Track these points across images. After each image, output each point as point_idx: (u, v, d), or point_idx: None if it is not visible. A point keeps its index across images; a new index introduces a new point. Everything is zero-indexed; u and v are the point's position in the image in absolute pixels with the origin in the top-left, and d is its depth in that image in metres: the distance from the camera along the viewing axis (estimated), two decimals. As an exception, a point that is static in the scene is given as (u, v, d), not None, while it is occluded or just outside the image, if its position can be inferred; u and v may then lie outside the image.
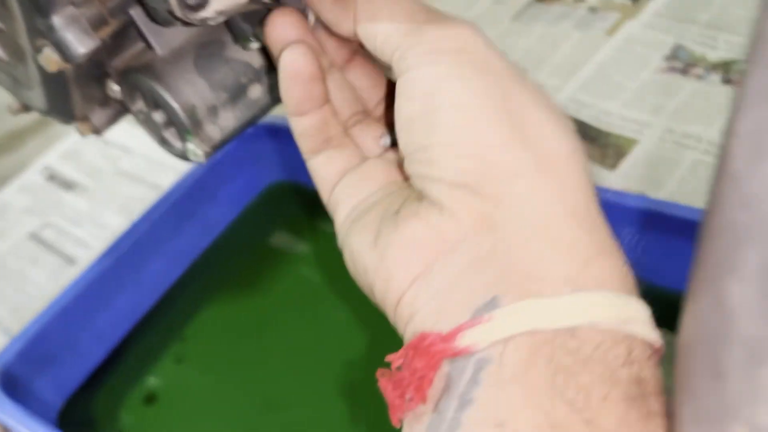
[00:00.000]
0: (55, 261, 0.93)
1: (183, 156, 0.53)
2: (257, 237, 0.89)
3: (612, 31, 0.97)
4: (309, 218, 0.89)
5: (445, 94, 0.36)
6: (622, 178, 0.80)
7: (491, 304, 0.32)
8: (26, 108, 0.59)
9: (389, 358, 0.35)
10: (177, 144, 0.52)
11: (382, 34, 0.39)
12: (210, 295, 0.84)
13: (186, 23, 0.42)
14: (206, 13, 0.40)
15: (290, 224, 0.89)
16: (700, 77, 0.88)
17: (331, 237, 0.98)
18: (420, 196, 0.38)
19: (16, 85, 0.57)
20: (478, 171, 0.35)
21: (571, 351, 0.29)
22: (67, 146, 1.07)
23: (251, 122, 0.53)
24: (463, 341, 0.31)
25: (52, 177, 1.05)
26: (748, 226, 0.22)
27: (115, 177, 1.01)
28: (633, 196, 0.67)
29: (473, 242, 0.35)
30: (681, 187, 0.77)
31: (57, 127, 1.06)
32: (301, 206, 0.90)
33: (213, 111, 0.51)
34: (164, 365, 0.78)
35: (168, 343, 0.80)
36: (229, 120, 0.52)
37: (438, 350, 0.32)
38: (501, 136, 0.35)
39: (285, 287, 0.83)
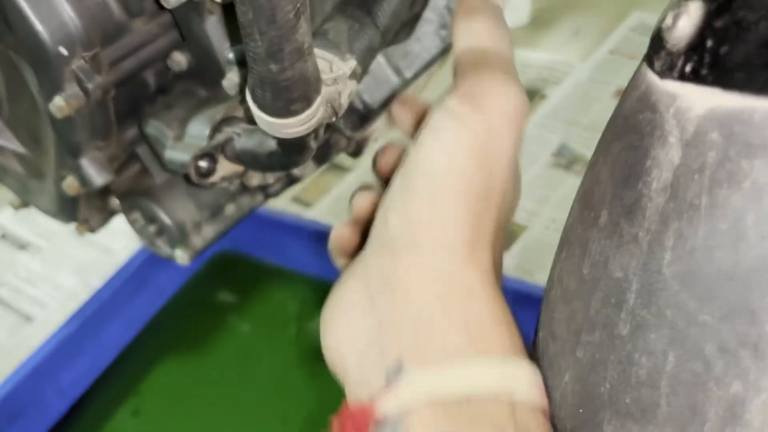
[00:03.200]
0: (12, 318, 1.02)
1: (170, 258, 0.66)
2: (205, 300, 1.01)
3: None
4: (252, 283, 1.02)
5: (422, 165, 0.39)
6: (513, 259, 0.97)
7: (398, 368, 0.35)
8: (26, 204, 0.71)
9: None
10: (166, 249, 0.65)
11: None
12: (163, 353, 0.96)
13: (197, 185, 0.55)
14: (213, 178, 0.54)
15: (235, 289, 1.03)
16: (579, 173, 1.07)
17: (271, 301, 1.12)
18: None
19: (24, 191, 0.68)
20: (398, 234, 0.38)
21: (464, 416, 0.32)
22: (19, 207, 1.16)
23: (226, 232, 0.67)
24: (378, 410, 0.34)
25: (5, 236, 1.14)
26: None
27: (68, 239, 1.11)
28: (512, 280, 0.84)
29: (381, 300, 0.38)
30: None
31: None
32: (244, 273, 1.04)
33: (198, 226, 0.65)
34: (121, 418, 0.89)
35: (125, 397, 0.91)
36: (210, 232, 0.65)
37: (358, 422, 0.35)
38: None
39: (231, 346, 0.96)
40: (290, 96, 0.44)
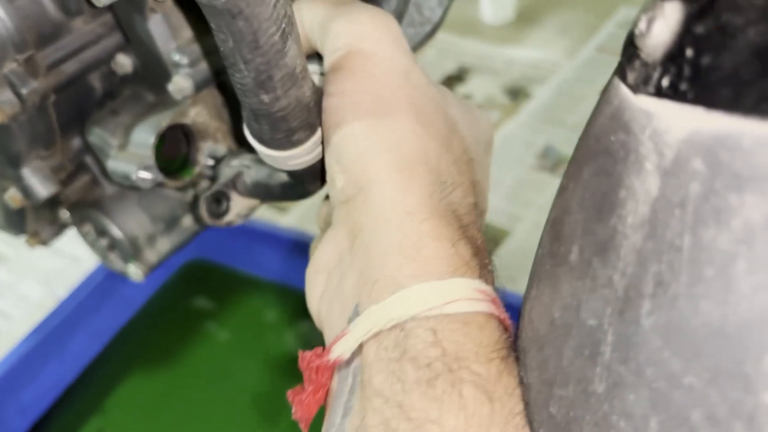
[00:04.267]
0: (-25, 331, 0.98)
1: (123, 274, 0.61)
2: (175, 311, 0.97)
3: (494, 128, 1.11)
4: (222, 293, 0.98)
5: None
6: (498, 265, 0.93)
7: (355, 312, 0.36)
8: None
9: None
10: (119, 264, 0.61)
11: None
12: (129, 367, 0.91)
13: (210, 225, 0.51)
14: (229, 217, 0.50)
15: (205, 299, 0.98)
16: (563, 174, 1.03)
17: (245, 311, 1.08)
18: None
19: (-29, 204, 0.64)
20: (355, 183, 0.38)
21: (399, 345, 0.33)
22: (-17, 213, 1.12)
23: (183, 245, 0.63)
24: (333, 354, 0.36)
25: (-31, 245, 1.09)
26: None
27: (35, 248, 1.07)
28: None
29: (347, 252, 0.38)
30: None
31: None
32: (214, 282, 0.99)
33: (152, 239, 0.60)
34: (86, 437, 0.85)
35: (89, 415, 0.87)
36: (165, 245, 0.61)
37: (316, 366, 0.36)
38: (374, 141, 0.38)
39: (201, 358, 0.92)
40: (289, 126, 0.39)
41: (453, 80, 1.20)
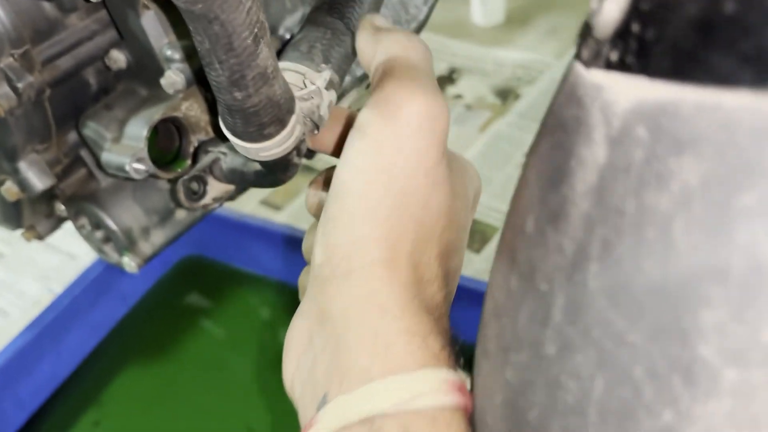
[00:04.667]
0: (-27, 327, 0.99)
1: (119, 266, 0.63)
2: (170, 307, 0.98)
3: (484, 127, 1.13)
4: (218, 289, 0.99)
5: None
6: (486, 262, 0.95)
7: (323, 401, 0.36)
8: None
9: None
10: (114, 256, 0.62)
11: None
12: (125, 361, 0.92)
13: (188, 209, 0.52)
14: (205, 200, 0.51)
15: (202, 295, 1.00)
16: (555, 173, 1.04)
17: (239, 306, 1.09)
18: None
19: (-32, 197, 0.65)
20: (333, 268, 0.38)
21: None
22: (-18, 212, 1.13)
23: (177, 238, 0.64)
24: None
25: (-32, 242, 1.11)
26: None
27: (31, 245, 1.08)
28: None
29: (317, 332, 0.38)
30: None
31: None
32: (210, 278, 1.00)
33: (146, 231, 0.62)
34: (82, 429, 0.86)
35: (86, 408, 0.88)
36: (159, 238, 0.62)
37: None
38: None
39: (196, 353, 0.93)
40: (261, 121, 0.41)
41: (444, 80, 1.22)
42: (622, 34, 0.22)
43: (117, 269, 0.94)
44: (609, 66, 0.22)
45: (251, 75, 0.38)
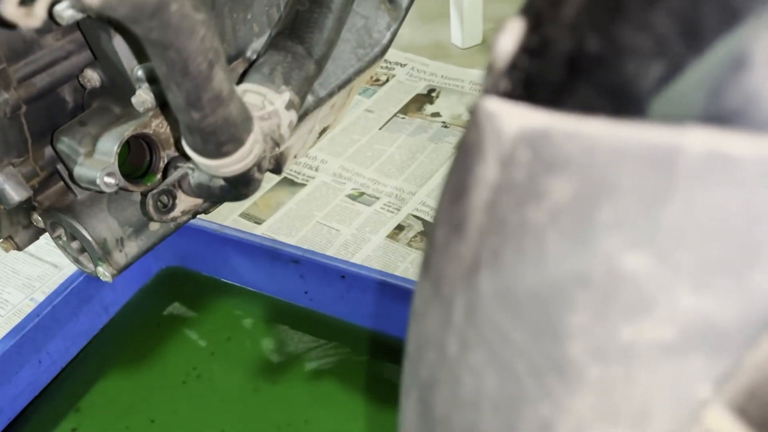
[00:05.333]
0: (-44, 335, 1.01)
1: (94, 275, 0.65)
2: (150, 317, 1.00)
3: (462, 144, 1.16)
4: (198, 300, 1.01)
5: None
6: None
7: None
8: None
9: None
10: (89, 266, 0.65)
11: None
12: (105, 370, 0.95)
13: (157, 221, 0.55)
14: (174, 213, 0.54)
15: (181, 305, 1.02)
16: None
17: (219, 317, 1.11)
18: None
19: (-52, 208, 0.67)
20: None
21: None
22: (-32, 223, 1.15)
23: (151, 248, 0.66)
24: None
25: (-46, 252, 1.13)
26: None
27: (15, 255, 1.10)
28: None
29: None
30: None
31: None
32: (190, 289, 1.03)
33: (120, 242, 0.64)
34: (60, 436, 0.88)
35: (64, 415, 0.90)
36: (133, 249, 0.65)
37: None
38: None
39: (175, 363, 0.95)
40: (218, 140, 0.45)
41: (423, 99, 1.25)
42: (512, 66, 0.25)
43: (98, 279, 0.96)
44: (502, 95, 0.25)
45: (206, 97, 0.41)
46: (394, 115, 1.23)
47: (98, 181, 0.53)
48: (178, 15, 0.35)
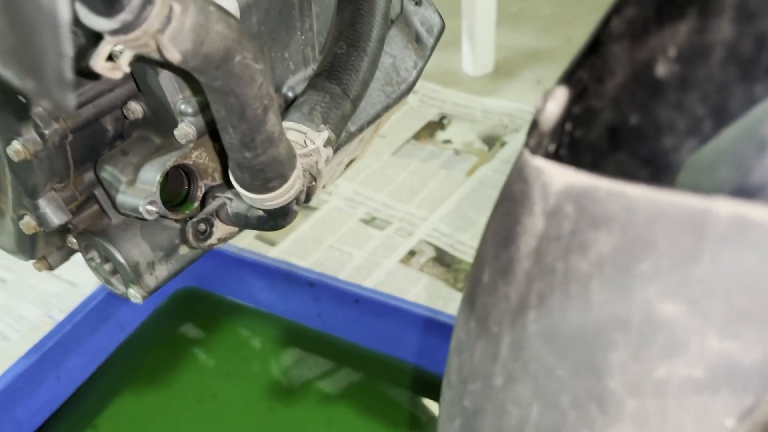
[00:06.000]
0: (-26, 350, 1.03)
1: (124, 297, 0.68)
2: (167, 336, 1.03)
3: (471, 172, 1.19)
4: (215, 320, 1.04)
5: None
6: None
7: None
8: (-12, 241, 0.73)
9: None
10: (121, 287, 0.67)
11: None
12: (121, 387, 0.97)
13: (194, 248, 0.58)
14: (211, 240, 0.57)
15: (197, 326, 1.04)
16: (536, 218, 1.10)
17: (234, 338, 1.14)
18: None
19: (-15, 228, 0.70)
20: None
21: None
22: (-12, 239, 1.18)
23: (180, 272, 0.69)
24: None
25: (-28, 268, 1.15)
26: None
27: (33, 271, 1.13)
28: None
29: None
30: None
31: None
32: (207, 310, 1.05)
33: (151, 265, 0.67)
34: (78, 451, 0.91)
35: (82, 431, 0.92)
36: (163, 272, 0.67)
37: None
38: None
39: (188, 381, 0.97)
40: (266, 177, 0.48)
41: (434, 126, 1.29)
42: (558, 130, 0.28)
43: (116, 298, 0.99)
44: (547, 155, 0.28)
45: (260, 139, 0.44)
46: (407, 141, 1.27)
47: (141, 209, 0.56)
48: (241, 66, 0.38)
